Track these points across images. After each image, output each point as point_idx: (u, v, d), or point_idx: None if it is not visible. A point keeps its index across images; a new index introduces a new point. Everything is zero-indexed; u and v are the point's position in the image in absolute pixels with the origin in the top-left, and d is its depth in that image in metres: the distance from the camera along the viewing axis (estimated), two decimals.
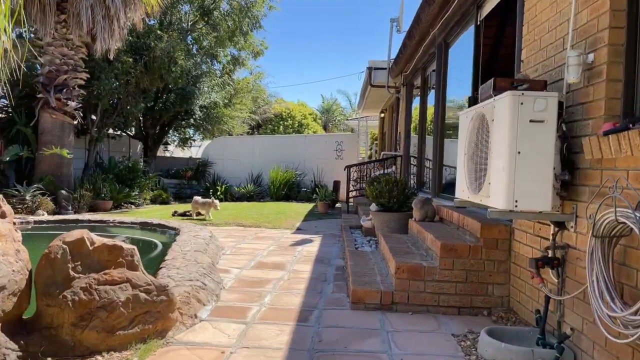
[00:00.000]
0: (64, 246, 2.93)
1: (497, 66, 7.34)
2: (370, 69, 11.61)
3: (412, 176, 9.95)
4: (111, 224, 8.17)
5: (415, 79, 10.03)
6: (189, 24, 17.77)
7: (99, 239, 3.12)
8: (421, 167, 8.95)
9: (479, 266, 3.93)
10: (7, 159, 11.24)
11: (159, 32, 15.21)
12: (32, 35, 12.17)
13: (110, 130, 16.48)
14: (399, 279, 3.98)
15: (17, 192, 10.46)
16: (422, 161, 8.89)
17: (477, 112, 3.30)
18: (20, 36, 12.92)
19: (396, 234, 5.84)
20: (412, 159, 10.20)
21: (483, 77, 5.49)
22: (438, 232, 4.54)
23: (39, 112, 11.99)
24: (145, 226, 8.15)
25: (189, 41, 17.55)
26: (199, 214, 10.46)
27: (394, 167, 11.54)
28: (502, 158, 2.83)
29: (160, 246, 6.45)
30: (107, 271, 3.02)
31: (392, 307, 3.95)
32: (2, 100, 13.02)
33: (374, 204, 7.54)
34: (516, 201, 2.79)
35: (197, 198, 10.74)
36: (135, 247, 3.20)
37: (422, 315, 3.86)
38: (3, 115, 12.79)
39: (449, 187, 6.80)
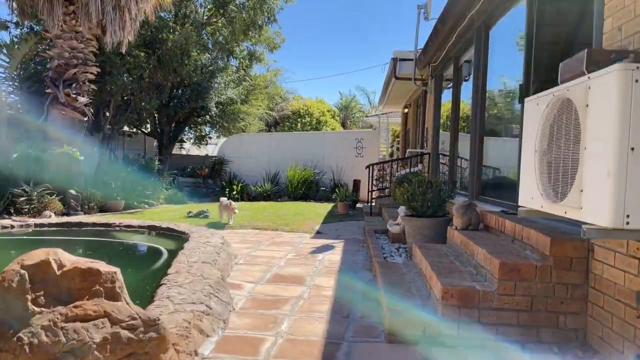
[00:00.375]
0: (22, 271, 2.26)
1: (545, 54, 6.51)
2: (395, 59, 10.81)
3: (440, 175, 9.16)
4: (117, 228, 7.56)
5: (446, 69, 9.23)
6: (204, 17, 17.17)
7: (70, 260, 2.45)
8: (453, 166, 8.15)
9: (547, 291, 3.17)
10: (15, 156, 10.74)
11: (172, 24, 14.65)
12: (41, 27, 11.69)
13: (125, 128, 16.01)
14: (446, 305, 3.23)
15: (23, 192, 9.95)
16: (455, 159, 8.09)
17: (557, 97, 2.53)
18: (32, 29, 12.49)
19: (432, 244, 5.07)
20: (441, 157, 9.42)
21: (536, 63, 4.71)
22: (490, 245, 3.77)
23: (47, 109, 11.51)
24: (152, 230, 7.53)
25: (204, 35, 16.98)
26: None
27: (420, 166, 10.74)
28: (606, 157, 2.06)
29: (165, 255, 5.80)
30: (78, 303, 2.34)
31: (439, 340, 3.21)
32: (12, 96, 12.58)
33: (402, 207, 6.78)
34: (628, 216, 2.02)
35: (223, 199, 9.57)
36: (117, 271, 2.51)
37: (477, 352, 3.11)
38: (13, 112, 12.32)
39: (490, 189, 6.02)
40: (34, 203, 9.85)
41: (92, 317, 2.32)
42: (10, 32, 12.61)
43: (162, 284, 3.97)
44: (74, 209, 10.68)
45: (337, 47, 63.26)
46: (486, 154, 6.23)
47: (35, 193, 9.96)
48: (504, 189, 5.53)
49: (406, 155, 12.45)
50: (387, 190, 12.32)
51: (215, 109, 16.72)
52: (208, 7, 17.12)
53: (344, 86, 74.29)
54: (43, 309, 2.25)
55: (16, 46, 11.41)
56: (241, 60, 18.99)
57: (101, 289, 2.41)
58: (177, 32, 14.06)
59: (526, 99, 3.12)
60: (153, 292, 3.87)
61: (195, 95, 15.74)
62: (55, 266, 2.32)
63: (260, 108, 20.00)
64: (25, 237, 6.76)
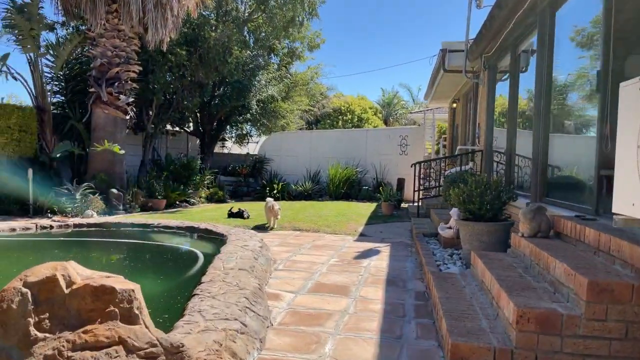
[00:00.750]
0: (24, 290, 1.93)
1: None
2: (443, 51, 10.18)
3: (494, 174, 8.52)
4: (155, 229, 7.36)
5: (501, 60, 8.57)
6: (245, 13, 16.98)
7: (83, 275, 2.11)
8: (510, 164, 7.50)
9: None
10: (58, 155, 10.82)
11: (213, 22, 14.50)
12: (85, 27, 11.74)
13: (168, 127, 16.03)
14: (522, 331, 2.72)
15: (66, 191, 9.97)
16: (512, 157, 7.44)
17: None
18: (77, 29, 12.60)
19: (493, 253, 4.52)
20: (495, 154, 8.76)
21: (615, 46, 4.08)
22: (570, 258, 3.21)
23: (91, 107, 11.56)
24: (190, 231, 7.28)
25: (245, 32, 16.78)
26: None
27: (471, 164, 10.08)
28: None
29: (201, 259, 5.49)
30: (89, 327, 1.99)
31: None
32: (57, 96, 12.74)
33: (455, 210, 6.24)
34: None
35: (269, 200, 8.86)
36: (135, 288, 2.15)
37: None
38: (58, 111, 12.49)
39: (557, 190, 5.39)
40: (77, 202, 9.84)
41: (104, 344, 1.97)
42: (57, 33, 12.77)
43: (194, 294, 3.63)
44: (115, 207, 10.65)
45: (380, 41, 62.04)
46: (551, 151, 5.60)
47: (79, 192, 9.96)
48: (576, 190, 4.91)
49: (455, 153, 11.80)
50: (433, 189, 11.72)
51: (256, 106, 16.51)
52: (249, 3, 16.91)
53: (387, 83, 73.17)
54: (47, 334, 1.92)
55: (61, 47, 11.49)
56: (282, 57, 18.73)
57: (116, 310, 2.05)
58: (218, 30, 13.89)
59: (623, 84, 2.56)
60: (185, 302, 3.53)
61: (236, 93, 15.57)
62: (63, 283, 1.98)
63: (302, 105, 19.67)
64: (62, 239, 6.64)
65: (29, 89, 11.10)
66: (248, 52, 15.66)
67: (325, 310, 3.85)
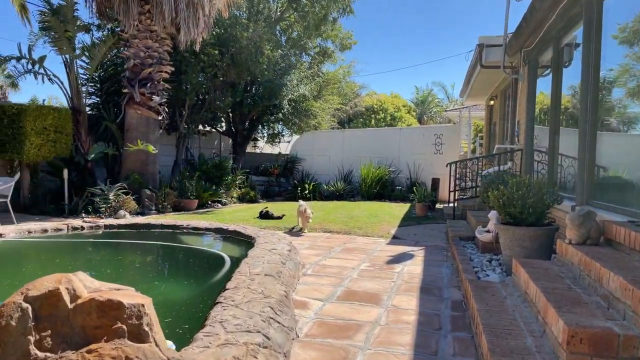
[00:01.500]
0: (24, 305, 1.80)
1: None
2: (480, 46, 9.78)
3: (535, 174, 8.10)
4: (184, 230, 7.29)
5: (542, 54, 8.13)
6: (277, 12, 16.88)
7: (92, 286, 1.96)
8: (553, 164, 7.09)
9: None
10: (92, 156, 10.96)
11: (244, 21, 14.45)
12: (116, 27, 11.88)
13: (200, 127, 16.11)
14: (573, 353, 2.43)
15: (100, 191, 10.08)
16: (555, 157, 7.03)
17: None
18: (112, 31, 12.76)
19: (537, 261, 4.19)
20: (536, 153, 8.32)
21: None
22: (625, 270, 2.89)
23: (124, 108, 11.67)
24: (219, 233, 7.18)
25: (277, 32, 16.69)
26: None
27: (510, 164, 9.64)
28: None
29: (228, 263, 5.35)
30: (93, 346, 1.83)
31: None
32: (93, 97, 12.95)
33: (493, 212, 5.90)
34: None
35: (301, 204, 8.38)
36: (145, 303, 1.99)
37: None
38: (93, 112, 12.70)
39: (607, 193, 4.99)
40: (110, 202, 9.93)
41: None
42: (92, 35, 12.99)
43: (217, 302, 3.47)
44: (148, 208, 10.71)
45: (414, 38, 61.00)
46: (599, 150, 5.20)
47: (112, 193, 10.05)
48: (628, 192, 4.52)
49: (493, 152, 11.35)
50: (470, 190, 11.31)
51: (287, 106, 16.41)
52: (281, 1, 16.81)
53: (421, 81, 72.08)
54: (49, 354, 1.77)
55: (96, 48, 11.65)
56: (314, 56, 18.56)
57: (124, 327, 1.89)
58: (250, 29, 13.83)
59: None
60: (208, 311, 3.37)
61: (267, 92, 15.51)
62: (67, 298, 1.83)
63: (333, 104, 19.45)
64: (91, 240, 6.64)
65: (64, 90, 11.31)
66: (280, 51, 15.56)
67: (354, 320, 3.63)
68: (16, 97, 52.98)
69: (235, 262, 4.94)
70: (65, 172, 10.01)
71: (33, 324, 1.79)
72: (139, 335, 1.95)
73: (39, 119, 9.64)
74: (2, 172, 10.00)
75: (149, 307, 2.00)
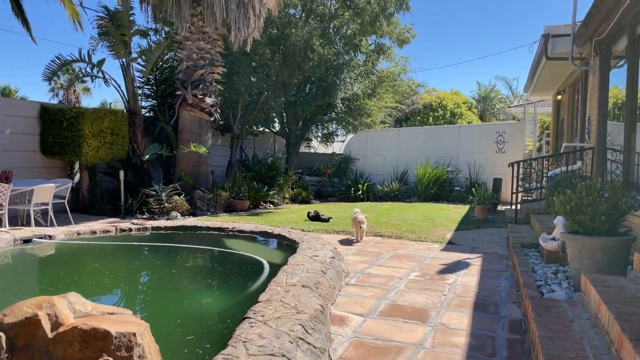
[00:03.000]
0: None
1: None
2: (546, 36, 9.01)
3: (608, 176, 7.32)
4: (229, 232, 7.16)
5: (615, 43, 7.34)
6: (331, 10, 16.59)
7: (81, 309, 1.73)
8: (629, 164, 6.34)
9: None
10: (147, 157, 11.16)
11: (297, 20, 14.30)
12: (172, 31, 12.04)
13: (254, 127, 16.15)
14: None
15: (154, 192, 10.22)
16: (632, 156, 6.28)
17: None
18: (167, 34, 12.99)
19: (612, 277, 3.64)
20: (609, 152, 7.53)
21: None
22: None
23: (178, 110, 11.82)
24: (263, 236, 6.99)
25: (331, 30, 16.39)
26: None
27: (579, 164, 8.83)
28: None
29: (266, 270, 5.12)
30: None
31: None
32: (150, 99, 13.24)
33: (560, 218, 5.33)
34: None
35: (356, 211, 7.62)
36: (137, 331, 1.74)
37: None
38: (150, 114, 12.98)
39: None
40: (163, 203, 10.04)
41: None
42: (150, 39, 13.29)
43: (245, 317, 3.22)
44: (199, 209, 10.76)
45: (474, 30, 58.76)
46: None
47: (165, 194, 10.16)
48: None
49: (560, 151, 10.50)
50: (534, 192, 10.53)
51: (341, 105, 16.10)
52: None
53: (483, 76, 69.37)
54: None
55: (152, 51, 11.87)
56: (369, 53, 18.09)
57: (110, 359, 1.64)
58: (299, 27, 13.65)
59: None
60: (235, 327, 3.13)
61: (320, 91, 15.28)
62: (47, 326, 1.62)
63: (388, 102, 18.90)
64: (136, 243, 6.64)
65: (121, 93, 11.59)
66: (333, 49, 15.27)
67: (396, 342, 3.26)
68: (88, 101, 56.16)
69: (274, 270, 4.69)
70: (121, 173, 10.24)
71: (7, 355, 1.59)
72: None
73: (96, 121, 9.89)
74: (62, 174, 10.36)
75: (142, 336, 1.76)
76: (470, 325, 3.64)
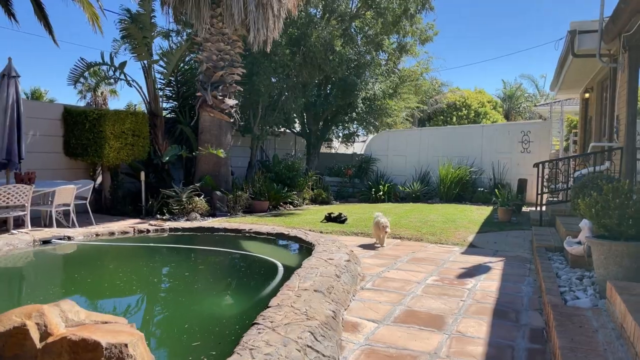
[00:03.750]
0: None
1: None
2: (572, 32, 8.72)
3: (638, 177, 7.04)
4: (246, 234, 7.13)
5: None
6: (353, 9, 16.46)
7: (74, 318, 1.68)
8: None
9: None
10: (167, 158, 11.24)
11: (317, 20, 14.22)
12: (193, 32, 12.11)
13: (275, 128, 16.13)
14: None
15: (174, 193, 10.28)
16: None
17: None
18: (189, 36, 13.08)
19: (639, 285, 3.44)
20: (639, 152, 7.24)
21: None
22: None
23: (198, 111, 11.86)
24: (279, 238, 6.93)
25: (352, 29, 16.27)
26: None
27: (607, 164, 8.51)
28: None
29: (280, 273, 5.05)
30: None
31: None
32: (170, 101, 13.35)
33: (586, 221, 5.11)
34: None
35: (377, 215, 7.20)
36: (129, 342, 1.67)
37: None
38: (171, 116, 13.08)
39: None
40: (184, 204, 10.09)
41: None
42: (171, 41, 13.40)
43: (254, 323, 3.15)
44: (219, 209, 10.78)
45: (498, 28, 57.64)
46: None
47: (185, 194, 10.21)
48: None
49: (588, 151, 10.16)
50: (560, 193, 10.20)
51: (361, 105, 15.96)
52: None
53: (508, 74, 68.07)
54: None
55: (173, 53, 11.96)
56: (391, 52, 17.89)
57: None
58: (320, 27, 13.57)
59: None
60: (237, 339, 3.02)
61: (341, 92, 15.16)
62: (35, 336, 1.57)
63: (410, 102, 18.66)
64: (152, 245, 6.66)
65: (142, 95, 11.70)
66: (354, 48, 15.14)
67: (409, 350, 3.14)
68: (115, 104, 57.31)
69: (288, 273, 4.62)
70: (142, 174, 10.32)
71: None
72: None
73: (117, 123, 10.00)
74: (85, 175, 10.51)
75: (135, 347, 1.70)
76: (488, 333, 3.50)
